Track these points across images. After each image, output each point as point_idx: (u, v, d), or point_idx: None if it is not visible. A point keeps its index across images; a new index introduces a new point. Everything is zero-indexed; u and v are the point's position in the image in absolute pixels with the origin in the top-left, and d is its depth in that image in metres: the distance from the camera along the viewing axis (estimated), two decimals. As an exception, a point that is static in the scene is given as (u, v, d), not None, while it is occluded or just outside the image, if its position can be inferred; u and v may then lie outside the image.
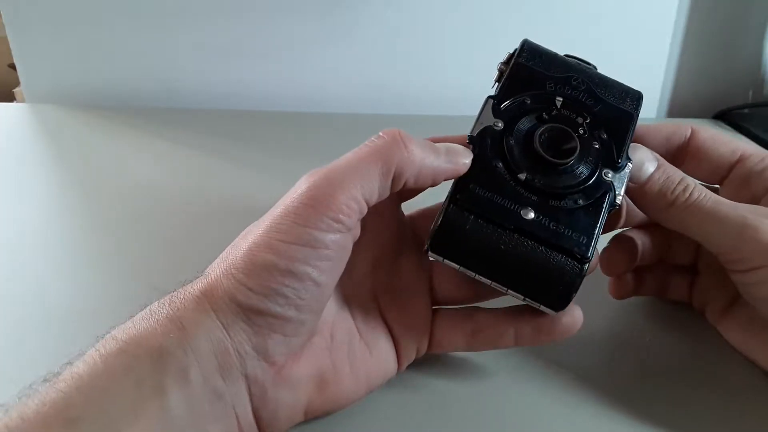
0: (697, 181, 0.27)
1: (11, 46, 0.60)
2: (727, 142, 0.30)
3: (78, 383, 0.19)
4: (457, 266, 0.25)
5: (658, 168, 0.27)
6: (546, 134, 0.26)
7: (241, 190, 0.45)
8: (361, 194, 0.22)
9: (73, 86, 0.61)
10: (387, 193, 0.23)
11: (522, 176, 0.25)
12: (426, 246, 0.25)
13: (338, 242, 0.21)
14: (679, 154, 0.30)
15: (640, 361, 0.30)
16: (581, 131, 0.27)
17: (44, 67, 0.61)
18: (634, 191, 0.27)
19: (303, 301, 0.21)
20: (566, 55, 0.30)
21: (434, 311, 0.27)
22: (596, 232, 0.25)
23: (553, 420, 0.26)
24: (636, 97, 0.29)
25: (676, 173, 0.27)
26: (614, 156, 0.26)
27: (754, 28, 0.65)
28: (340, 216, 0.21)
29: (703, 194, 0.26)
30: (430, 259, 0.25)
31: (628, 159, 0.27)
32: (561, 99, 0.27)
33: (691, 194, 0.26)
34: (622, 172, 0.26)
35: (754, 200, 0.28)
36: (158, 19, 0.60)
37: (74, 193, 0.45)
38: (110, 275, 0.35)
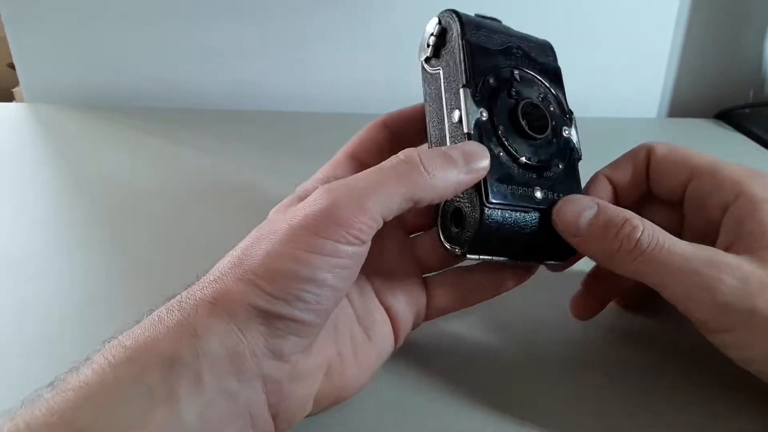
0: (647, 222, 0.25)
1: (10, 45, 0.60)
2: (679, 160, 0.28)
3: (86, 393, 0.19)
4: (489, 258, 0.26)
5: (597, 213, 0.25)
6: (526, 113, 0.27)
7: (241, 189, 0.45)
8: (381, 215, 0.22)
9: (72, 86, 0.61)
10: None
11: (522, 160, 0.26)
12: (457, 250, 0.26)
13: (356, 253, 0.22)
14: (646, 176, 0.29)
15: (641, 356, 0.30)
16: (541, 98, 0.28)
17: (43, 66, 0.61)
18: (578, 244, 0.26)
19: (321, 306, 0.22)
20: (477, 15, 0.29)
21: (424, 280, 0.29)
22: (580, 184, 0.28)
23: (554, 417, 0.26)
24: (550, 48, 0.31)
25: (617, 215, 0.25)
26: (564, 111, 0.29)
27: (754, 28, 0.65)
28: (360, 234, 0.22)
29: (653, 240, 0.24)
30: (467, 258, 0.26)
31: (570, 111, 0.29)
32: (516, 71, 0.28)
33: (639, 240, 0.24)
34: (573, 123, 0.29)
35: (711, 224, 0.27)
36: (158, 19, 0.59)
37: (73, 192, 0.45)
38: (110, 275, 0.35)
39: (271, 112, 0.61)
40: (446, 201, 0.26)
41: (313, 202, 0.22)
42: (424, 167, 0.23)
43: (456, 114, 0.26)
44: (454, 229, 0.26)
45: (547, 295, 0.32)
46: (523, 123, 0.27)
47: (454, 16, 0.28)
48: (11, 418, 0.19)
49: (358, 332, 0.26)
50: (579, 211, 0.25)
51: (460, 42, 0.27)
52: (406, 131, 0.29)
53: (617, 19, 0.62)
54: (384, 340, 0.27)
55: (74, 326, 0.31)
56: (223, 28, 0.60)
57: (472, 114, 0.26)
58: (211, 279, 0.22)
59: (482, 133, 0.26)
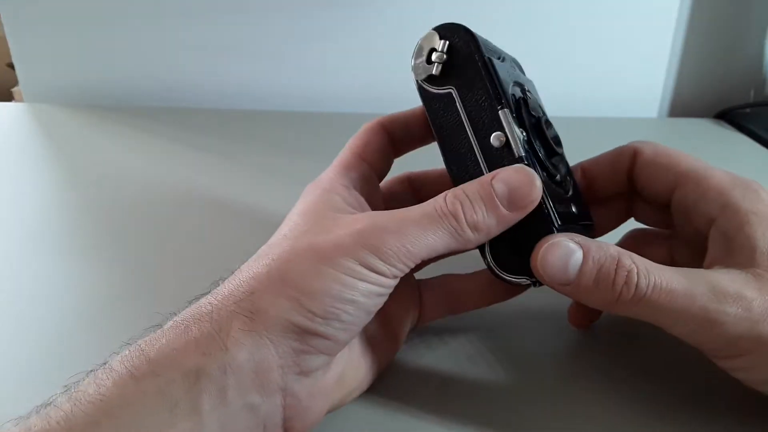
0: (637, 259, 0.23)
1: (10, 45, 0.60)
2: (666, 164, 0.27)
3: (107, 407, 0.19)
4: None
5: (585, 259, 0.23)
6: (550, 131, 0.26)
7: (241, 189, 0.45)
8: (421, 259, 0.23)
9: (72, 85, 0.61)
10: None
11: (558, 177, 0.26)
12: (528, 281, 0.25)
13: (393, 285, 0.23)
14: (629, 178, 0.29)
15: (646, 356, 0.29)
16: (543, 110, 0.28)
17: (43, 66, 0.61)
18: (568, 292, 0.24)
19: (354, 326, 0.22)
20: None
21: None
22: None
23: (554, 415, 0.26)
24: (517, 61, 0.31)
25: (608, 258, 0.23)
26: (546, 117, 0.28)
27: (755, 28, 0.65)
28: (401, 272, 0.23)
29: (650, 282, 0.22)
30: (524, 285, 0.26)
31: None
32: (524, 85, 0.27)
33: (637, 286, 0.22)
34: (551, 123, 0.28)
35: (699, 235, 0.26)
36: (158, 19, 0.59)
37: (73, 192, 0.45)
38: (110, 275, 0.35)
39: (271, 112, 0.61)
40: None
41: (364, 230, 0.22)
42: (467, 223, 0.23)
43: (497, 138, 0.24)
44: (516, 258, 0.25)
45: (543, 300, 0.32)
46: (553, 143, 0.26)
47: (463, 31, 0.26)
48: (27, 428, 0.18)
49: (364, 337, 0.26)
50: (564, 258, 0.23)
51: (484, 59, 0.25)
52: (403, 135, 0.29)
53: (618, 19, 0.62)
54: (386, 344, 0.27)
55: (74, 326, 0.31)
56: (223, 27, 0.60)
57: (518, 137, 0.24)
58: (246, 290, 0.21)
59: (530, 155, 0.25)
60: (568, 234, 0.24)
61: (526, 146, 0.24)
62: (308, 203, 0.25)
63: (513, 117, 0.24)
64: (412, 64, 0.27)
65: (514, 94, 0.26)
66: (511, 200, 0.23)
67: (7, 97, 0.98)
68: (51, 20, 0.59)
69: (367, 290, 0.22)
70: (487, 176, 0.24)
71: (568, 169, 0.29)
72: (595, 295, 0.23)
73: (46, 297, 0.33)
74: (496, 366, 0.29)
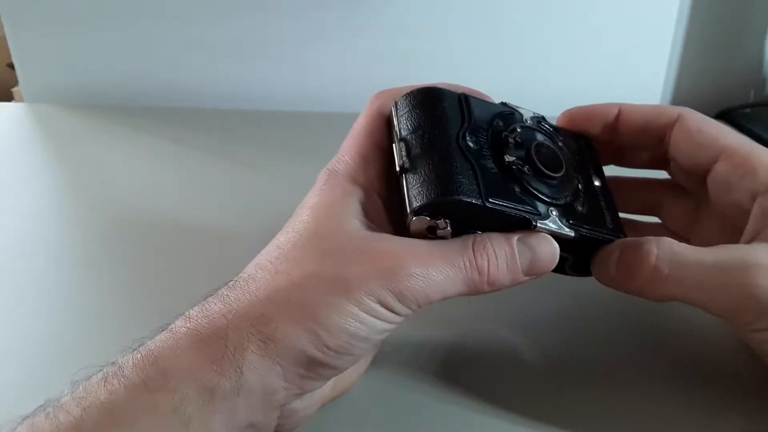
0: (660, 240, 0.25)
1: (10, 45, 0.60)
2: (711, 134, 0.28)
3: (118, 418, 0.19)
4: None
5: (620, 254, 0.26)
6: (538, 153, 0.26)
7: (242, 189, 0.45)
8: (435, 301, 0.23)
9: (72, 86, 0.61)
10: None
11: (567, 199, 0.26)
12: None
13: (403, 320, 0.23)
14: (662, 139, 0.29)
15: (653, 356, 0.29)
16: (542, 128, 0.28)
17: (43, 66, 0.61)
18: (613, 285, 0.26)
19: (360, 355, 0.23)
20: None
21: None
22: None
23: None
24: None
25: (631, 241, 0.26)
26: None
27: (755, 28, 0.64)
28: (412, 312, 0.23)
29: (680, 258, 0.24)
30: None
31: None
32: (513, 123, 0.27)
33: (658, 267, 0.24)
34: None
35: (737, 207, 0.27)
36: (158, 19, 0.59)
37: (73, 192, 0.45)
38: (109, 275, 0.35)
39: (271, 111, 0.61)
40: None
41: (389, 270, 0.22)
42: (488, 279, 0.23)
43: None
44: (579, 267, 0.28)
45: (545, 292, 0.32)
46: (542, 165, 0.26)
47: (452, 203, 0.23)
48: (34, 430, 0.18)
49: None
50: (604, 259, 0.26)
51: (493, 208, 0.24)
52: None
53: (617, 18, 0.62)
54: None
55: (74, 327, 0.31)
56: (223, 27, 0.60)
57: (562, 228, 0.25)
58: (263, 313, 0.21)
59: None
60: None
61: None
62: (326, 205, 0.24)
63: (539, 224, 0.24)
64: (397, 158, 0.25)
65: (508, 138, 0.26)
66: (531, 266, 0.24)
67: (7, 97, 0.98)
68: (51, 20, 0.59)
69: (382, 328, 0.22)
70: (512, 236, 0.24)
71: (588, 182, 0.28)
72: (627, 279, 0.25)
73: (46, 297, 0.33)
74: (494, 351, 0.29)
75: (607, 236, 0.26)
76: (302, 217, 0.24)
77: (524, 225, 0.24)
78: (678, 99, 0.67)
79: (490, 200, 0.23)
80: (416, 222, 0.23)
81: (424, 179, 0.23)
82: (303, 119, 0.60)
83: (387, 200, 0.26)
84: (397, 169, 0.24)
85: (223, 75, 0.62)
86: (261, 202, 0.43)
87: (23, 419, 0.19)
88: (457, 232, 0.24)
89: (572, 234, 0.25)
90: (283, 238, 0.24)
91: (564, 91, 0.65)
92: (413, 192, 0.23)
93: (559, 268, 0.26)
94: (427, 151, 0.24)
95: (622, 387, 0.28)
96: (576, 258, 0.27)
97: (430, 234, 0.24)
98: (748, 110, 0.64)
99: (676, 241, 0.25)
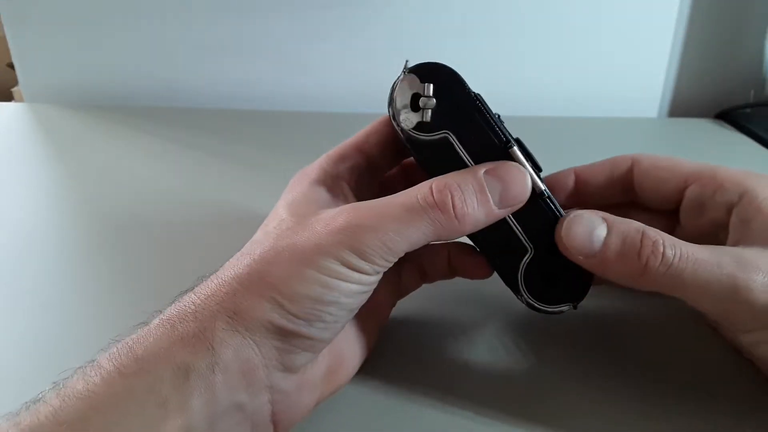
0: (661, 233, 0.24)
1: (10, 45, 0.60)
2: (670, 167, 0.28)
3: (95, 402, 0.19)
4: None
5: (609, 231, 0.24)
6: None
7: (241, 189, 0.45)
8: (404, 252, 0.23)
9: (72, 85, 0.61)
10: None
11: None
12: (570, 306, 0.26)
13: (376, 281, 0.23)
14: (627, 188, 0.29)
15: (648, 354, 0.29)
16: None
17: (43, 66, 0.61)
18: (593, 265, 0.24)
19: (337, 324, 0.23)
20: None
21: None
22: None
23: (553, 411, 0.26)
24: None
25: (631, 230, 0.24)
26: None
27: (755, 28, 0.65)
28: (383, 268, 0.23)
29: (678, 252, 0.23)
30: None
31: None
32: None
33: (664, 255, 0.23)
34: None
35: (716, 225, 0.27)
36: (157, 19, 0.59)
37: (73, 192, 0.45)
38: (109, 275, 0.35)
39: (271, 112, 0.61)
40: (518, 264, 0.26)
41: (343, 229, 0.22)
42: (455, 214, 0.22)
43: None
44: (551, 289, 0.26)
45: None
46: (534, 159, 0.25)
47: (445, 70, 0.24)
48: (16, 424, 0.18)
49: (348, 327, 0.26)
50: (589, 229, 0.24)
51: (475, 97, 0.24)
52: None
53: (617, 18, 0.62)
54: (369, 326, 0.27)
55: (73, 326, 0.31)
56: (222, 27, 0.60)
57: (532, 172, 0.24)
58: (228, 290, 0.21)
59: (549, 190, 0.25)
60: (592, 210, 0.25)
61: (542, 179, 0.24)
62: (293, 195, 0.25)
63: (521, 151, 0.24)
64: (392, 112, 0.25)
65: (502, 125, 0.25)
66: (503, 197, 0.24)
67: (7, 97, 0.98)
68: (51, 20, 0.59)
69: (349, 290, 0.22)
70: (477, 168, 0.24)
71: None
72: (622, 266, 0.24)
73: (46, 297, 0.33)
74: (488, 350, 0.29)
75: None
76: (273, 213, 0.25)
77: (498, 150, 0.24)
78: (678, 99, 0.67)
79: (477, 95, 0.23)
80: (406, 80, 0.24)
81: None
82: (303, 119, 0.60)
83: (356, 190, 0.26)
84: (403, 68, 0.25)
85: (223, 75, 0.62)
86: (261, 202, 0.43)
87: (8, 417, 0.19)
88: (436, 123, 0.24)
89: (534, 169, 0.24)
90: (257, 234, 0.25)
91: (564, 92, 0.65)
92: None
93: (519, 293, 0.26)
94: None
95: (619, 390, 0.28)
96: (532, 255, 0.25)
97: (413, 109, 0.24)
98: (748, 110, 0.64)
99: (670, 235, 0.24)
